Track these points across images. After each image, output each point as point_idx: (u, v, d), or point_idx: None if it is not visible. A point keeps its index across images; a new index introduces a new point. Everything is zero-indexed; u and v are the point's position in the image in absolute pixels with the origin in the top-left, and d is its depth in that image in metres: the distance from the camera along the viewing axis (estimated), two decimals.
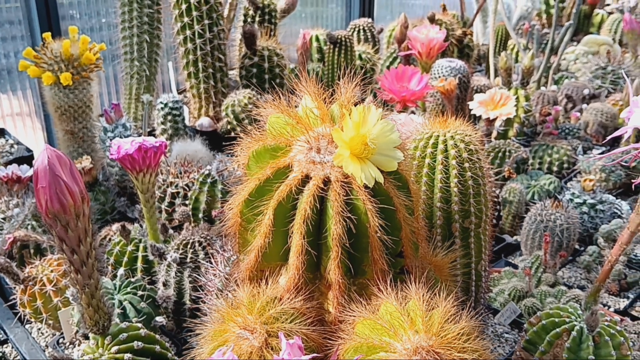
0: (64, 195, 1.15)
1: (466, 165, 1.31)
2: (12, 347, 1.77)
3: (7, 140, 2.59)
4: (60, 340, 1.68)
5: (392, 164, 1.03)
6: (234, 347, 0.93)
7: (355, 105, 1.05)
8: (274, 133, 1.07)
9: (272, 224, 1.03)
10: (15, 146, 2.53)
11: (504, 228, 2.11)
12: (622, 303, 1.75)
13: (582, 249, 1.96)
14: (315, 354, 0.89)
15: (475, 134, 1.34)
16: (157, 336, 1.35)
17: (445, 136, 1.33)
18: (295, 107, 1.11)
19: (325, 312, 1.08)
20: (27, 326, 1.80)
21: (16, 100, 2.96)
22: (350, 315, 1.01)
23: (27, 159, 2.38)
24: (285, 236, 1.04)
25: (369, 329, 0.96)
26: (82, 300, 1.24)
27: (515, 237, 2.08)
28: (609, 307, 1.73)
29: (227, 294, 1.05)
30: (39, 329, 1.78)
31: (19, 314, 1.71)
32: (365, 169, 0.99)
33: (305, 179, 1.02)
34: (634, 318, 1.64)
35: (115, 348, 1.26)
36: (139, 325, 1.33)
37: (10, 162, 2.17)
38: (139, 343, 1.28)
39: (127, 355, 1.25)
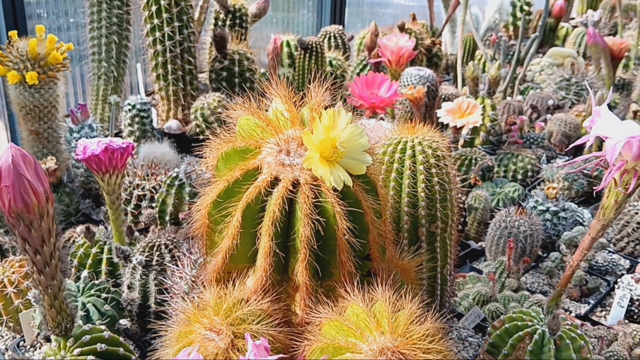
0: (28, 194, 1.13)
1: (433, 170, 1.33)
2: None
3: None
4: (21, 343, 1.65)
5: (361, 167, 1.04)
6: (199, 348, 0.92)
7: (325, 109, 1.06)
8: (243, 135, 1.07)
9: (240, 225, 1.03)
10: None
11: (469, 234, 2.14)
12: (583, 308, 1.79)
13: (545, 255, 2.00)
14: (281, 355, 0.89)
15: (443, 140, 1.36)
16: (121, 339, 1.33)
17: (413, 142, 1.34)
18: (266, 110, 1.12)
19: (292, 314, 1.09)
20: None
21: None
22: (317, 317, 1.01)
23: None
24: (254, 238, 1.04)
25: (335, 330, 0.97)
26: (44, 302, 1.22)
27: (480, 243, 2.11)
28: (570, 312, 1.77)
29: (193, 296, 1.05)
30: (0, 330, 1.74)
31: None
32: (335, 172, 1.00)
33: (275, 181, 1.03)
34: (594, 323, 1.68)
35: (77, 350, 1.23)
36: (103, 327, 1.31)
37: None
38: (102, 345, 1.26)
39: (90, 358, 1.23)
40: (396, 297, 1.00)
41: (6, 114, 2.74)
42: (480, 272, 1.88)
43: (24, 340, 1.63)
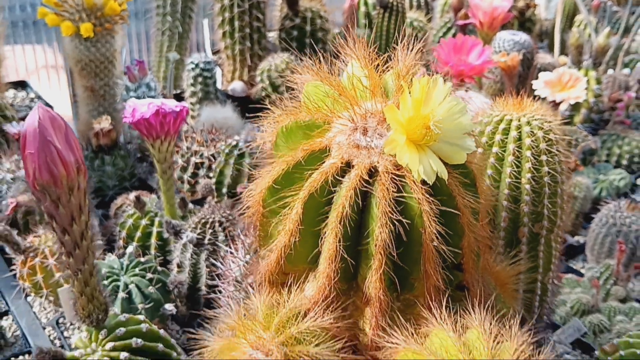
0: (56, 164, 0.97)
1: (543, 158, 1.07)
2: (13, 320, 1.62)
3: (27, 94, 2.43)
4: (61, 320, 1.53)
5: (460, 155, 0.80)
6: None
7: (416, 76, 0.82)
8: (310, 106, 0.85)
9: (300, 220, 0.82)
10: (36, 100, 2.37)
11: (565, 227, 1.86)
12: None
13: None
14: None
15: (556, 120, 1.09)
16: (162, 332, 1.17)
17: (519, 121, 1.09)
18: (339, 75, 0.89)
19: (360, 331, 0.88)
20: (29, 299, 1.65)
21: (42, 52, 2.80)
22: (391, 342, 0.80)
23: None
24: (317, 237, 0.83)
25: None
26: (74, 288, 1.06)
27: (576, 238, 1.83)
28: None
29: (240, 299, 0.86)
30: (41, 303, 1.63)
31: (19, 288, 1.55)
32: (425, 160, 0.77)
33: (346, 168, 0.80)
34: None
35: (110, 345, 1.08)
36: (141, 318, 1.15)
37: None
38: (139, 340, 1.10)
39: (124, 355, 1.07)
40: (496, 323, 0.77)
41: (68, 69, 2.63)
42: (579, 274, 1.61)
43: (64, 317, 1.51)
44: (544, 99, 2.12)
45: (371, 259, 0.81)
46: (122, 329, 1.10)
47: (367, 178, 0.79)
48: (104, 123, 1.93)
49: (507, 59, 2.03)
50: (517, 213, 1.10)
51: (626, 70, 2.75)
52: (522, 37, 2.26)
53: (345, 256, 0.81)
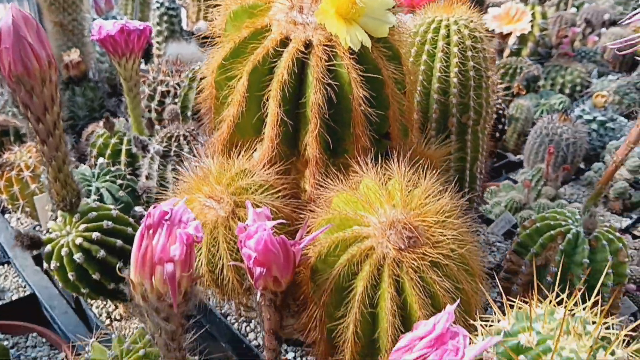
0: (29, 58, 1.07)
1: (469, 54, 1.20)
2: None
3: None
4: (37, 229, 1.63)
5: (383, 28, 0.93)
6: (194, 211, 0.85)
7: None
8: None
9: (246, 90, 0.94)
10: None
11: (508, 146, 2.01)
12: (625, 222, 1.67)
13: (587, 168, 1.86)
14: (281, 220, 0.82)
15: (481, 21, 1.22)
16: (132, 221, 1.28)
17: (448, 21, 1.21)
18: None
19: (301, 191, 1.01)
20: (6, 216, 1.75)
21: None
22: (326, 190, 0.93)
23: None
24: (261, 105, 0.95)
25: (344, 202, 0.88)
26: (49, 175, 1.17)
27: (518, 156, 1.99)
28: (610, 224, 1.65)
29: (196, 165, 0.98)
30: (18, 219, 1.74)
31: None
32: (352, 31, 0.89)
33: (285, 41, 0.93)
34: (635, 237, 1.57)
35: (83, 226, 1.19)
36: (111, 207, 1.27)
37: None
38: (109, 222, 1.21)
39: (96, 234, 1.18)
40: (413, 175, 0.91)
41: (35, 4, 2.67)
42: (515, 182, 1.76)
43: (40, 226, 1.62)
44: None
45: (309, 122, 0.94)
46: (94, 213, 1.22)
47: (303, 49, 0.91)
48: (73, 55, 2.01)
49: None
50: (446, 105, 1.24)
51: (573, 9, 2.90)
52: None
53: (286, 119, 0.93)
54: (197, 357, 1.02)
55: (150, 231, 0.68)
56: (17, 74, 1.07)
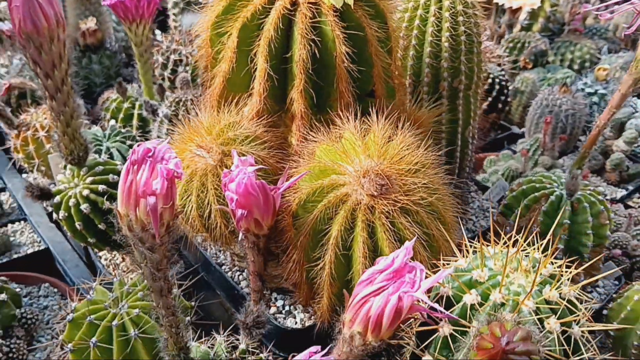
0: (37, 16, 1.13)
1: (460, 19, 1.23)
2: (10, 195, 1.82)
3: None
4: (52, 187, 1.72)
5: None
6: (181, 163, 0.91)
7: None
8: None
9: (236, 46, 0.99)
10: None
11: (512, 119, 2.03)
12: (620, 193, 1.69)
13: None
14: (261, 166, 0.87)
15: None
16: None
17: None
18: None
19: (287, 145, 1.06)
20: (24, 176, 1.84)
21: None
22: (310, 143, 0.98)
23: None
24: (249, 61, 1.01)
25: (324, 153, 0.94)
26: (57, 129, 1.24)
27: (522, 129, 2.01)
28: (606, 195, 1.67)
29: (189, 118, 1.04)
30: (35, 178, 1.82)
31: (13, 161, 1.74)
32: None
33: None
34: (627, 207, 1.59)
35: (90, 179, 1.27)
36: (118, 162, 1.34)
37: None
38: (115, 176, 1.28)
39: (102, 187, 1.26)
40: (393, 130, 0.96)
41: None
42: (515, 152, 1.79)
43: (54, 184, 1.70)
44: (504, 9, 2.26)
45: (295, 78, 0.99)
46: (101, 167, 1.29)
47: (289, 7, 0.96)
48: (90, 23, 2.09)
49: None
50: (437, 69, 1.27)
51: None
52: None
53: (272, 74, 0.99)
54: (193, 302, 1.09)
55: (135, 167, 0.74)
56: (27, 31, 1.14)
